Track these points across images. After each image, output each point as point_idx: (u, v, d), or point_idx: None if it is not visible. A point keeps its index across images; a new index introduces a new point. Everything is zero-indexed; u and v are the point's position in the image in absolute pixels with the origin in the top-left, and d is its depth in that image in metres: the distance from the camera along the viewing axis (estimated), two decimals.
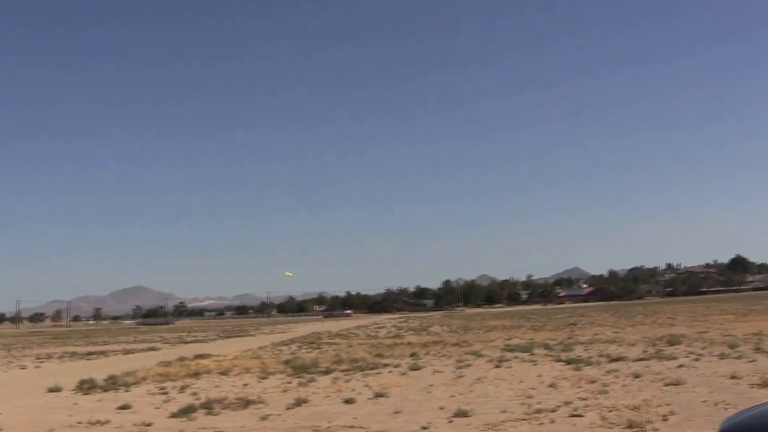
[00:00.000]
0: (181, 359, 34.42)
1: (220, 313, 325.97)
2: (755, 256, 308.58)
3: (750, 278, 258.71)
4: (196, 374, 26.54)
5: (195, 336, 75.57)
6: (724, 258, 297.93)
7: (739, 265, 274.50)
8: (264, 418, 15.50)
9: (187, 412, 16.49)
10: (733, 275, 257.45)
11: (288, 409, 16.66)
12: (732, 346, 26.67)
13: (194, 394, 20.49)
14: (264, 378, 24.22)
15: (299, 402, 17.42)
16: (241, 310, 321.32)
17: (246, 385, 22.46)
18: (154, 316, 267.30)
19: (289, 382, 22.41)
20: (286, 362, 29.66)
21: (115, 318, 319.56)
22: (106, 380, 24.25)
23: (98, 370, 29.83)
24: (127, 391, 21.99)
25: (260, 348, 44.30)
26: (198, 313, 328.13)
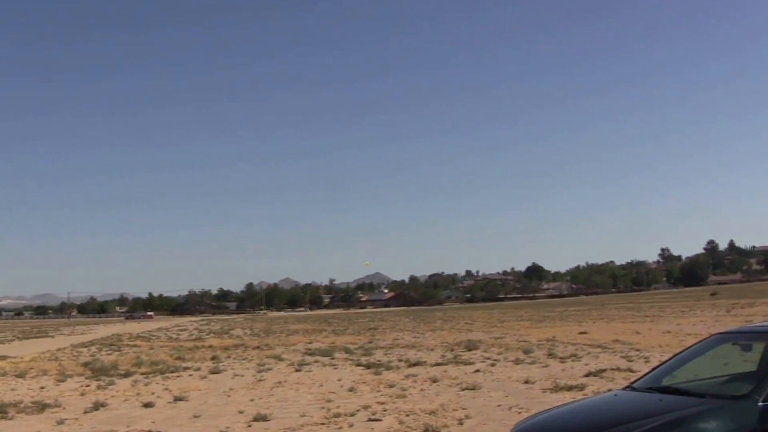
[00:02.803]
0: None
1: (18, 313, 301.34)
2: (550, 265, 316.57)
3: (545, 286, 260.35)
4: None
5: None
6: (521, 266, 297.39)
7: (534, 273, 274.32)
8: (60, 422, 14.60)
9: None
10: (529, 282, 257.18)
11: (85, 413, 15.78)
12: (526, 352, 26.61)
13: None
14: (62, 381, 22.77)
15: (97, 406, 16.51)
16: (40, 311, 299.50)
17: (43, 388, 21.02)
18: None
19: (88, 385, 21.21)
20: (86, 365, 28.11)
21: None
22: None
23: None
24: None
25: (59, 350, 41.60)
26: None
